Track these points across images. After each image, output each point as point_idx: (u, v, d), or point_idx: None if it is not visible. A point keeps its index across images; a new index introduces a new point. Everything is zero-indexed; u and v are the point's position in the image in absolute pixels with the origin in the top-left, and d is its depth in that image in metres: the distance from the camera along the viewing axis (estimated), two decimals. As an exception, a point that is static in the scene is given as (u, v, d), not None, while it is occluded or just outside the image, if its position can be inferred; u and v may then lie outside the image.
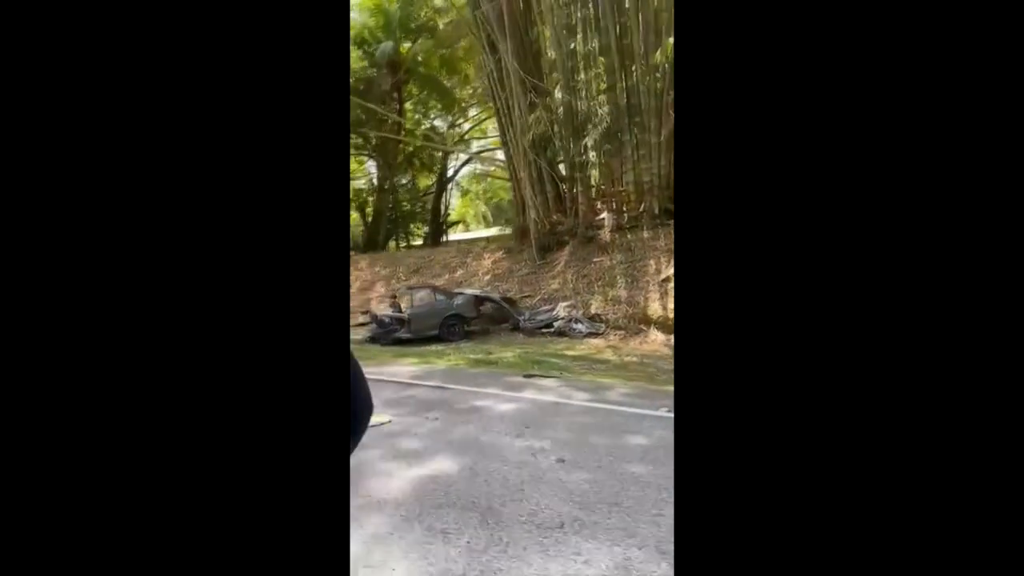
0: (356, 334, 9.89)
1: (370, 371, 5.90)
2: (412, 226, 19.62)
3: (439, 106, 18.51)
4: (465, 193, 23.79)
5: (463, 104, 18.16)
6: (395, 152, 17.89)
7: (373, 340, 8.56)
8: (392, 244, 19.07)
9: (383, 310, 9.82)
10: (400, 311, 8.73)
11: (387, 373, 5.62)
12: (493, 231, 23.50)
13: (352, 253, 18.18)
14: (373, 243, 18.43)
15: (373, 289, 13.41)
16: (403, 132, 17.76)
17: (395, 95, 17.48)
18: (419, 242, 19.33)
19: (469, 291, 9.03)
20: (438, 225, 19.17)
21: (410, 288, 8.70)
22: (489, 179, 24.29)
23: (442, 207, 19.53)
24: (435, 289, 8.68)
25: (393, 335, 8.18)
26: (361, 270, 14.71)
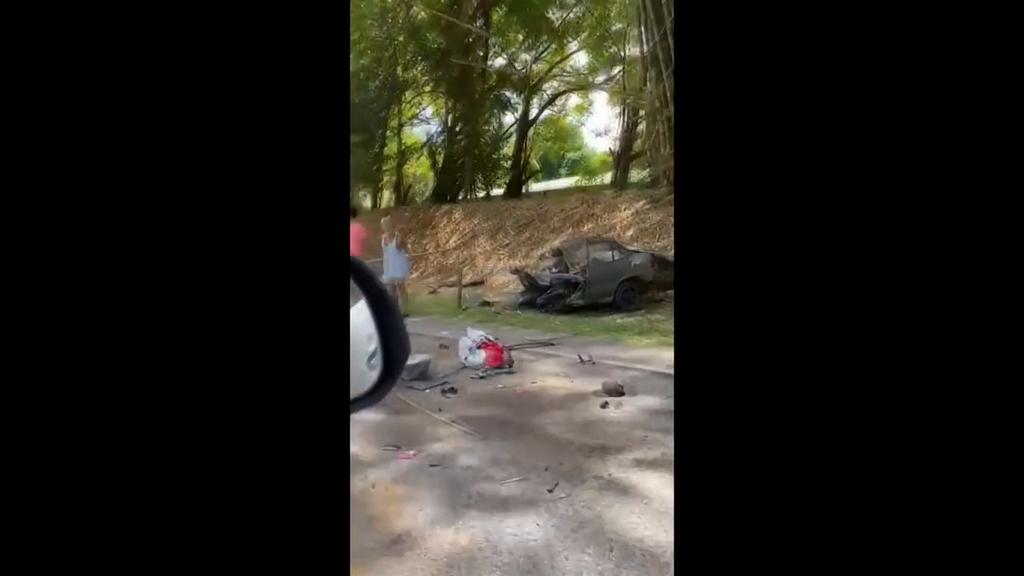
0: (494, 295, 8.35)
1: (627, 360, 4.08)
2: (492, 174, 17.64)
3: (524, 35, 16.21)
4: (548, 139, 21.58)
5: (561, 32, 15.74)
6: (478, 88, 15.80)
7: (528, 305, 6.97)
8: (463, 195, 17.27)
9: (534, 268, 8.23)
10: (566, 270, 7.07)
11: (657, 361, 4.03)
12: (567, 182, 21.48)
13: (422, 204, 16.43)
14: (442, 195, 16.68)
15: (476, 244, 11.79)
16: (488, 59, 15.60)
17: (481, 22, 15.27)
18: (497, 192, 17.48)
19: (642, 249, 7.33)
20: (519, 173, 17.22)
21: (589, 243, 7.01)
22: (559, 124, 22.06)
23: (523, 153, 17.48)
24: (614, 245, 6.95)
25: (562, 301, 6.57)
26: (456, 222, 13.06)
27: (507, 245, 11.28)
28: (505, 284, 10.28)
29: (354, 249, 6.79)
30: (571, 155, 26.42)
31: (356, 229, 6.83)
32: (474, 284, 10.23)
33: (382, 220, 7.28)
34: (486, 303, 7.52)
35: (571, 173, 23.83)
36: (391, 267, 6.53)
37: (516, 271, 7.96)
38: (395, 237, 6.57)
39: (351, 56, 14.20)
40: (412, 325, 6.12)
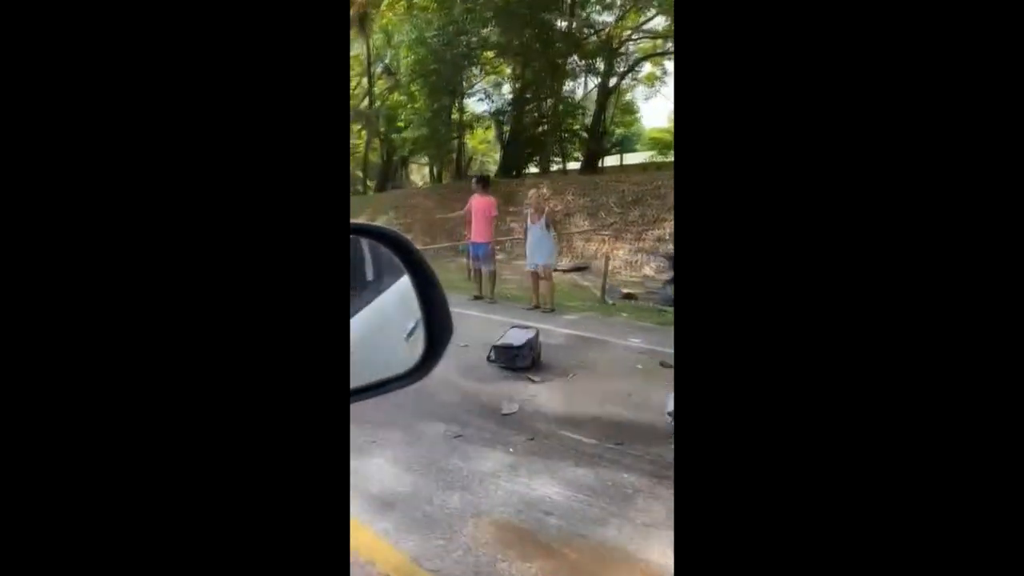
0: (621, 282, 7.12)
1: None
2: (569, 146, 16.17)
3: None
4: (629, 111, 19.87)
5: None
6: (559, 50, 14.25)
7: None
8: (537, 169, 15.88)
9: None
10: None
11: None
12: (637, 158, 19.84)
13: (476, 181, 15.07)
14: (509, 169, 15.33)
15: (572, 221, 10.52)
16: (571, 19, 14.02)
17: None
18: (573, 166, 16.04)
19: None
20: (598, 145, 15.71)
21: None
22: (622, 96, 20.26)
23: (603, 123, 15.92)
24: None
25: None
26: (546, 199, 11.76)
27: (611, 225, 9.97)
28: (615, 271, 9.04)
29: (482, 228, 5.63)
30: (619, 132, 24.51)
31: (487, 204, 5.65)
32: (577, 270, 9.03)
33: (530, 193, 6.09)
34: (629, 295, 6.30)
35: (624, 151, 22.08)
36: (536, 251, 5.36)
37: (665, 258, 6.70)
38: (543, 215, 5.37)
39: (435, 10, 12.90)
40: (572, 326, 4.95)
